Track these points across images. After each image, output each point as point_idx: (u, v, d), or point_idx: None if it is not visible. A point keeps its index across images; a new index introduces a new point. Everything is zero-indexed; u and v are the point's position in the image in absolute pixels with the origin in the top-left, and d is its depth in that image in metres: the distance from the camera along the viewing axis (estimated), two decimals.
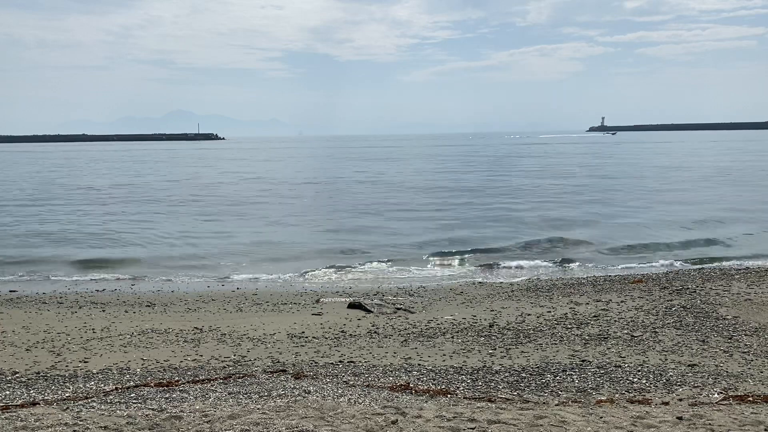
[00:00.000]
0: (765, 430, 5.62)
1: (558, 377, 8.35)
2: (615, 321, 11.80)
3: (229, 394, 6.92)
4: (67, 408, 6.29)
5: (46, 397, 7.29)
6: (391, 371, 8.78)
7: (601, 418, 6.03)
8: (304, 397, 6.70)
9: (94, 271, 19.58)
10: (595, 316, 12.18)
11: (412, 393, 7.26)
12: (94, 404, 6.48)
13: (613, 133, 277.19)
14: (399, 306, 13.87)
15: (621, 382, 8.10)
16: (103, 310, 13.80)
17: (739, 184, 45.04)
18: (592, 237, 24.33)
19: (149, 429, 5.59)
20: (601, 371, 8.63)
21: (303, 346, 10.63)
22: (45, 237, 25.92)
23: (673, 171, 57.70)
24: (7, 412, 6.17)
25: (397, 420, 5.85)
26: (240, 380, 7.82)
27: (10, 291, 16.58)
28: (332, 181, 53.92)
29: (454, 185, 46.96)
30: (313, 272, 19.28)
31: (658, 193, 40.03)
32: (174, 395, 6.84)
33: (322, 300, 14.74)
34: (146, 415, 5.96)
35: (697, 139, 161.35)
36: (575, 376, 8.37)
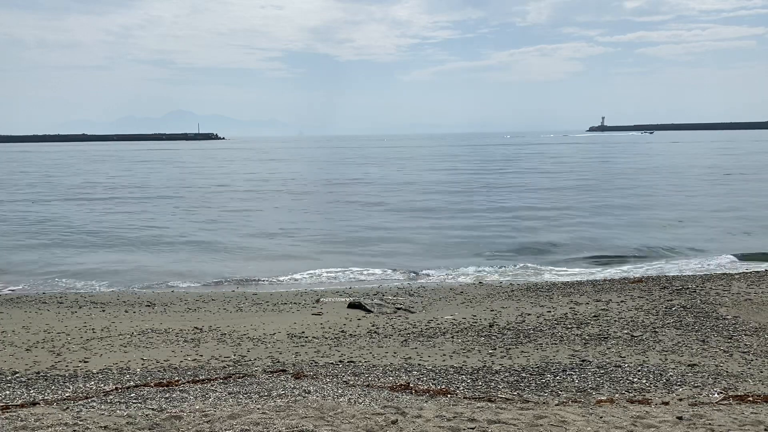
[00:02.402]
0: (765, 430, 5.62)
1: (558, 377, 8.35)
2: (615, 321, 11.79)
3: (229, 394, 6.92)
4: (67, 408, 6.29)
5: (46, 397, 7.28)
6: (391, 371, 8.78)
7: (601, 418, 6.03)
8: (304, 397, 6.70)
9: (93, 270, 19.58)
10: (595, 316, 12.18)
11: (412, 393, 7.26)
12: (94, 404, 6.48)
13: (650, 133, 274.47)
14: (399, 306, 13.87)
15: (621, 382, 8.09)
16: (103, 310, 13.80)
17: None
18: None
19: (149, 429, 5.59)
20: (601, 371, 8.63)
21: (303, 346, 10.63)
22: (45, 236, 25.94)
23: None
24: (7, 412, 6.17)
25: (397, 420, 5.85)
26: (240, 380, 7.82)
27: (10, 291, 16.59)
28: (335, 181, 53.89)
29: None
30: (313, 272, 19.28)
31: None
32: (174, 395, 6.84)
33: (322, 300, 14.74)
34: (146, 415, 5.96)
35: (740, 139, 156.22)
36: (575, 376, 8.37)
